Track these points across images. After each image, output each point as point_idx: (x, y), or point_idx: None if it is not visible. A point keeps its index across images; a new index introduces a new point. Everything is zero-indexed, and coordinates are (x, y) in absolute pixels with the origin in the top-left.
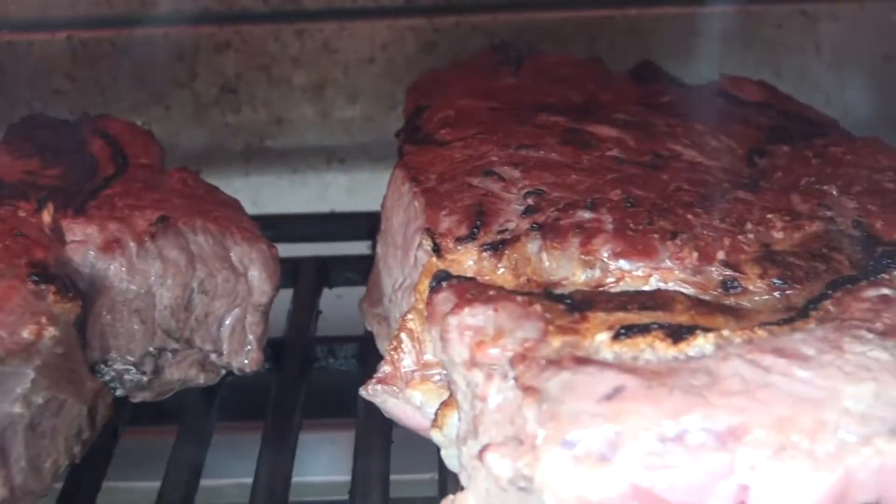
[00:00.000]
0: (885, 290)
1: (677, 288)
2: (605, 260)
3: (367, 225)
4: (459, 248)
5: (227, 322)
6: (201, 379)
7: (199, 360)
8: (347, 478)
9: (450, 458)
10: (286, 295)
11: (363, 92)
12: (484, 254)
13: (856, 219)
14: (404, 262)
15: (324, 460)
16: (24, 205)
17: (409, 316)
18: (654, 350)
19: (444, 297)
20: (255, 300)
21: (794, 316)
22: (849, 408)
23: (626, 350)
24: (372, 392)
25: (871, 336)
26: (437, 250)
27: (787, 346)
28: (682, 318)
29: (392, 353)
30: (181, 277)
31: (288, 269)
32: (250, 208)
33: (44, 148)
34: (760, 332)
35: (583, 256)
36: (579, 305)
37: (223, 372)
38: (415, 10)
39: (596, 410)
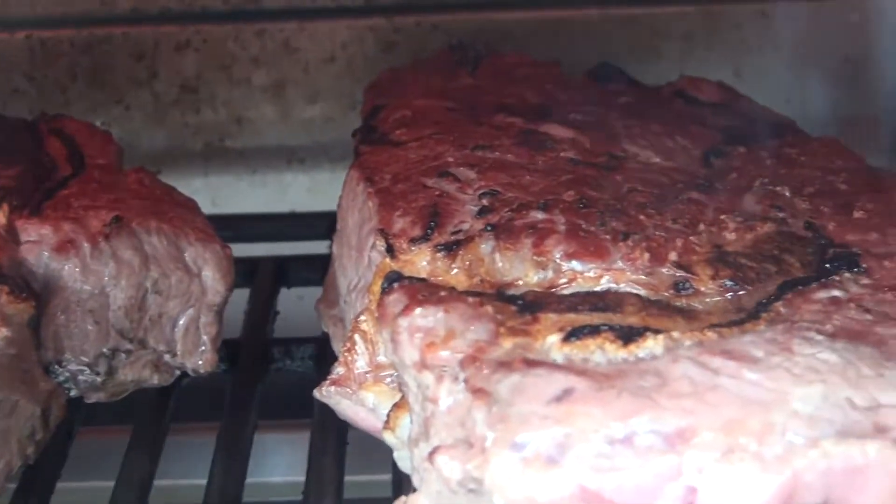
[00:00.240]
0: (836, 292)
1: (629, 289)
2: (558, 261)
3: (326, 225)
4: (413, 248)
5: (181, 323)
6: (155, 380)
7: (153, 361)
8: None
9: (402, 460)
10: (246, 295)
11: (323, 91)
12: (438, 254)
13: (808, 220)
14: (359, 263)
15: (281, 461)
16: None
17: (363, 317)
18: (604, 352)
19: (395, 299)
20: (208, 301)
21: (744, 318)
22: (797, 410)
23: (577, 352)
24: (325, 394)
25: (820, 338)
26: (391, 251)
27: (736, 348)
28: (633, 320)
29: (346, 354)
30: (135, 278)
31: (246, 269)
32: (210, 208)
33: (0, 148)
34: (710, 334)
35: (535, 257)
36: (530, 307)
37: (177, 373)
38: (375, 10)
39: (545, 413)
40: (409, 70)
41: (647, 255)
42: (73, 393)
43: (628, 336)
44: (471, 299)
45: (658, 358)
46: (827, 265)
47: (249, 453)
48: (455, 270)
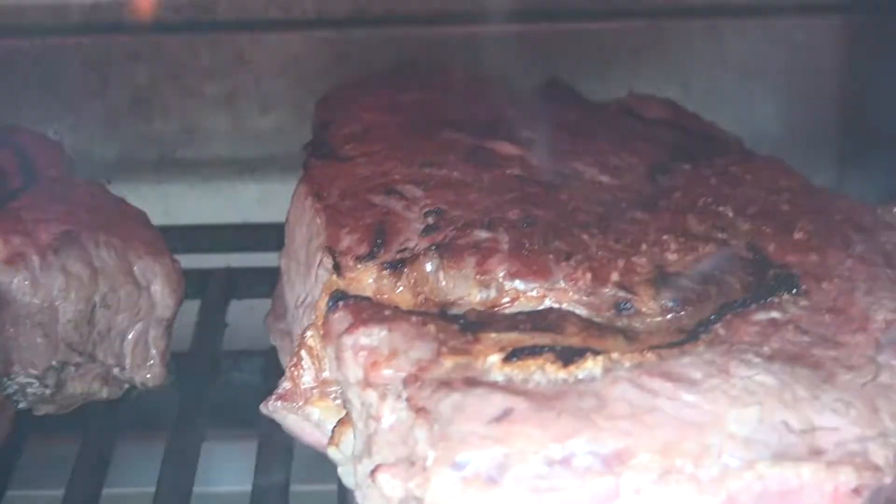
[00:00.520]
0: (775, 314)
1: (571, 309)
2: (501, 280)
3: (277, 236)
4: (360, 266)
5: (130, 336)
6: (104, 393)
7: (101, 374)
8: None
9: (346, 476)
10: (197, 306)
11: (275, 103)
12: (384, 273)
13: (749, 241)
14: (307, 279)
15: (229, 471)
16: None
17: (309, 333)
18: (545, 372)
19: (340, 317)
20: (157, 314)
21: (684, 339)
22: (733, 432)
23: (517, 372)
24: (272, 408)
25: (757, 360)
26: (338, 268)
27: (674, 370)
28: (574, 340)
29: (292, 369)
30: (84, 291)
31: (197, 280)
32: (161, 218)
33: None
34: (650, 356)
35: (478, 276)
36: (472, 326)
37: (126, 386)
38: (327, 23)
39: (485, 432)
40: (359, 84)
41: (589, 276)
42: (21, 405)
43: (568, 357)
44: (414, 318)
45: (598, 379)
46: (766, 287)
47: (197, 464)
48: (400, 289)
